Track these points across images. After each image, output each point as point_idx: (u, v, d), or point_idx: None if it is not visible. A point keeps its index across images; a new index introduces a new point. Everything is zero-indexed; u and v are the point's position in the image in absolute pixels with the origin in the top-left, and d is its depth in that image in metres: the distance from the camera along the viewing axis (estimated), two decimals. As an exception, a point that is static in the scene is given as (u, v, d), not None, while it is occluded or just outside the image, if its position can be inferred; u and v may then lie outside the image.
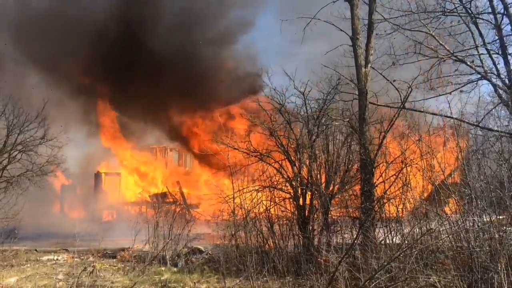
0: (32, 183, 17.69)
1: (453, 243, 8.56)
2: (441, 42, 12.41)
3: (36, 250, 15.95)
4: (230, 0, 32.13)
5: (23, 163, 17.59)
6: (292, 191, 11.95)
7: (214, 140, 13.24)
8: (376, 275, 7.41)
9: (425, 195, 10.55)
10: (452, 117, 11.34)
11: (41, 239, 18.50)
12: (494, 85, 12.48)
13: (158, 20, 30.95)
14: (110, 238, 16.48)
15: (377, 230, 10.31)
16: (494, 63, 12.37)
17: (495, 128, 11.95)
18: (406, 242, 8.48)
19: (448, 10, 12.38)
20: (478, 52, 12.54)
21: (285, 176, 12.09)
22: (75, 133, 27.51)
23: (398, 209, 10.27)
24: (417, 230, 8.98)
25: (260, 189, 12.27)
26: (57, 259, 14.44)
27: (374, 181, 11.27)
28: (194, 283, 10.74)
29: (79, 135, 28.28)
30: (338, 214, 11.70)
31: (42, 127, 17.93)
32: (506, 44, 12.36)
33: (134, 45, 29.29)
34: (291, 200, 12.03)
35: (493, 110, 12.86)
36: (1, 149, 16.78)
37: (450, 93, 12.58)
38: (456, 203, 8.98)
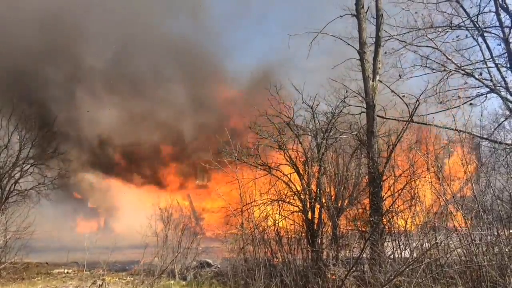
0: (43, 197, 17.88)
1: (462, 257, 8.50)
2: (448, 57, 12.43)
3: (47, 263, 16.07)
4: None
5: (35, 176, 17.82)
6: (300, 205, 11.93)
7: (223, 153, 13.28)
8: (383, 289, 7.38)
9: (434, 208, 10.49)
10: (461, 131, 11.31)
11: (52, 252, 18.62)
12: (503, 98, 12.44)
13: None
14: (120, 251, 16.53)
15: (386, 244, 10.26)
16: (502, 77, 12.34)
17: (505, 141, 11.89)
18: (413, 256, 8.43)
19: (455, 25, 12.42)
20: (486, 65, 12.53)
21: (294, 190, 12.09)
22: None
23: (407, 223, 10.22)
24: (426, 244, 8.94)
25: (269, 202, 12.27)
26: (67, 272, 14.54)
27: (383, 195, 11.23)
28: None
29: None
30: (347, 228, 11.65)
31: (54, 141, 18.20)
32: (514, 57, 12.33)
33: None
34: (299, 213, 12.00)
35: (502, 123, 12.78)
36: (14, 163, 17.01)
37: (459, 106, 12.54)
38: (464, 217, 8.92)
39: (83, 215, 29.03)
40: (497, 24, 12.32)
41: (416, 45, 12.48)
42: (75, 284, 12.30)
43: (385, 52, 12.66)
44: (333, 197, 11.84)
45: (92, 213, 29.88)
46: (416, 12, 12.40)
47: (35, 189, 17.58)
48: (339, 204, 11.73)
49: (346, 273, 7.87)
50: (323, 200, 11.69)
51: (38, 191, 17.64)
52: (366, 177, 12.03)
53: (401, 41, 12.53)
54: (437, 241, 8.32)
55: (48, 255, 17.51)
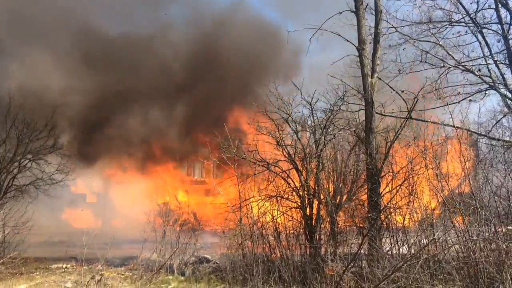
0: (41, 192, 17.85)
1: (459, 253, 8.54)
2: (449, 52, 12.43)
3: (45, 258, 16.08)
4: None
5: (33, 171, 17.78)
6: (299, 201, 11.96)
7: (221, 149, 13.28)
8: (381, 285, 7.42)
9: (432, 205, 10.53)
10: (459, 127, 11.34)
11: (50, 247, 18.64)
12: (501, 95, 12.45)
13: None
14: (118, 247, 16.55)
15: (384, 240, 10.30)
16: (501, 73, 12.34)
17: (503, 138, 11.91)
18: (411, 251, 8.47)
19: (455, 21, 12.41)
20: (486, 62, 12.53)
21: (292, 186, 12.11)
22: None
23: (405, 219, 10.25)
24: (423, 240, 8.98)
25: (267, 198, 12.30)
26: (66, 267, 14.55)
27: (381, 191, 11.26)
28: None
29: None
30: (345, 224, 11.68)
31: (52, 136, 18.15)
32: (513, 54, 12.31)
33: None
34: (298, 209, 12.03)
35: (500, 120, 12.79)
36: (11, 158, 16.97)
37: (458, 102, 12.55)
38: (462, 213, 8.96)
39: (81, 210, 29.05)
40: (497, 20, 12.31)
41: (416, 39, 12.47)
42: (74, 279, 12.30)
43: (389, 46, 12.66)
44: (331, 193, 11.86)
45: (90, 208, 29.95)
46: (420, 7, 12.41)
47: (34, 184, 17.56)
48: (338, 200, 11.76)
49: (344, 268, 7.90)
50: (322, 196, 11.71)
51: (36, 186, 17.61)
52: (365, 173, 12.04)
53: (403, 34, 12.52)
54: (434, 237, 8.36)
55: (46, 250, 17.53)
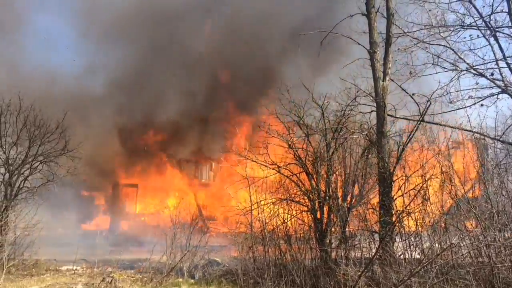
0: (52, 194, 17.89)
1: (474, 258, 8.45)
2: (460, 56, 12.35)
3: (55, 260, 16.11)
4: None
5: (44, 173, 17.82)
6: (309, 204, 11.91)
7: (233, 152, 13.28)
8: (396, 290, 7.36)
9: (445, 209, 10.43)
10: (472, 131, 11.24)
11: (61, 249, 18.67)
12: (515, 99, 12.33)
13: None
14: (128, 249, 16.57)
15: (395, 244, 10.22)
16: (514, 77, 12.24)
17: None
18: (426, 257, 8.38)
19: (467, 24, 12.33)
20: (498, 65, 12.43)
21: (303, 189, 12.06)
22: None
23: (418, 223, 10.16)
24: (437, 245, 8.89)
25: (278, 201, 12.26)
26: (76, 269, 14.57)
27: (393, 195, 11.17)
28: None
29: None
30: (357, 228, 11.60)
31: (63, 139, 18.17)
32: (527, 58, 12.21)
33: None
34: (308, 213, 11.98)
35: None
36: (23, 160, 17.02)
37: (470, 106, 12.47)
38: (477, 218, 8.86)
39: (91, 213, 29.17)
40: (510, 24, 12.22)
41: (428, 43, 12.39)
42: (84, 281, 12.31)
43: (398, 49, 12.59)
44: (342, 197, 11.80)
45: (101, 210, 30.03)
46: (430, 10, 12.34)
47: (44, 186, 17.60)
48: (348, 203, 11.70)
49: (359, 273, 7.83)
50: (332, 200, 11.65)
51: (48, 188, 17.65)
52: (376, 177, 11.97)
53: (413, 38, 12.44)
54: (452, 242, 8.28)
55: (57, 252, 17.56)
